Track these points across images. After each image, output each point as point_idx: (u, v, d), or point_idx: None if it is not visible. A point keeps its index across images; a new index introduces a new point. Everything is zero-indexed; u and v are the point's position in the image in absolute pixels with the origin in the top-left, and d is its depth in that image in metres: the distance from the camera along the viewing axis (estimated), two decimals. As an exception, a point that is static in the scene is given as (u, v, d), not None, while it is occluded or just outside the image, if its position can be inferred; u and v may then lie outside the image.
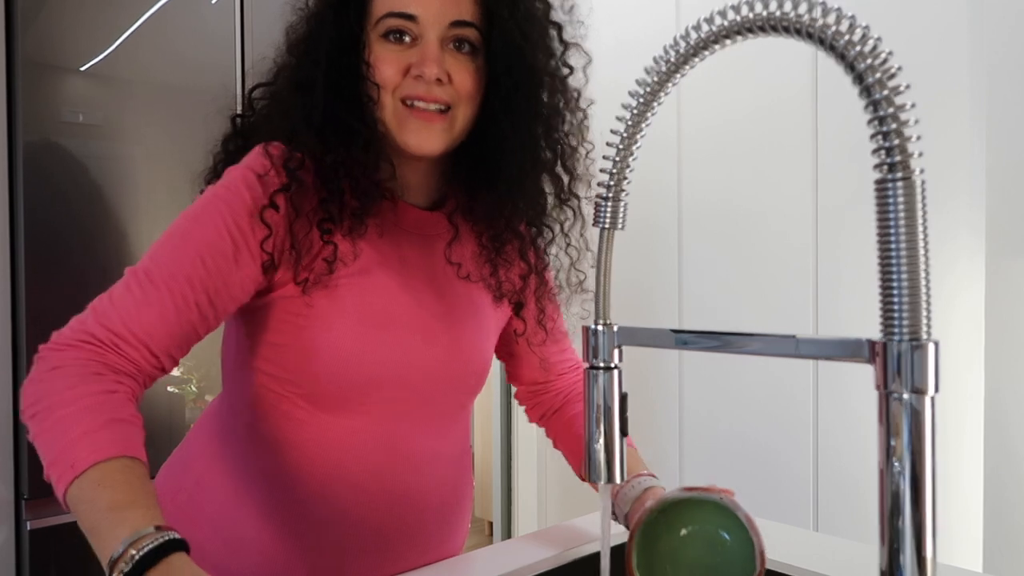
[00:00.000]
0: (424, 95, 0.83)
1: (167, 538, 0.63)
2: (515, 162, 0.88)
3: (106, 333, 0.75)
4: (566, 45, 0.91)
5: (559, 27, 0.90)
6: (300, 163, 0.82)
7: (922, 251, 0.43)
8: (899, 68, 0.43)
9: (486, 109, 0.88)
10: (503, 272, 0.96)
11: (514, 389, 1.14)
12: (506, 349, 1.07)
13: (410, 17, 0.82)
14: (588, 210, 0.94)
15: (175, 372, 1.89)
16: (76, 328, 0.76)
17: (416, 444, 0.91)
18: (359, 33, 0.84)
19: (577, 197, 0.94)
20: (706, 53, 0.52)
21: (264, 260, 0.82)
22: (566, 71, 0.91)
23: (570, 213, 0.94)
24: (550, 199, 0.93)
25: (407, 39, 0.84)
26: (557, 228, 0.95)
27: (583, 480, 1.01)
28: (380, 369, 0.87)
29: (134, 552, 0.61)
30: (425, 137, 0.84)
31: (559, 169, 0.91)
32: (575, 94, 0.91)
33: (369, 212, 0.85)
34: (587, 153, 0.94)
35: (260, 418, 0.88)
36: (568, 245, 0.96)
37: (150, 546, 0.62)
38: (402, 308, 0.89)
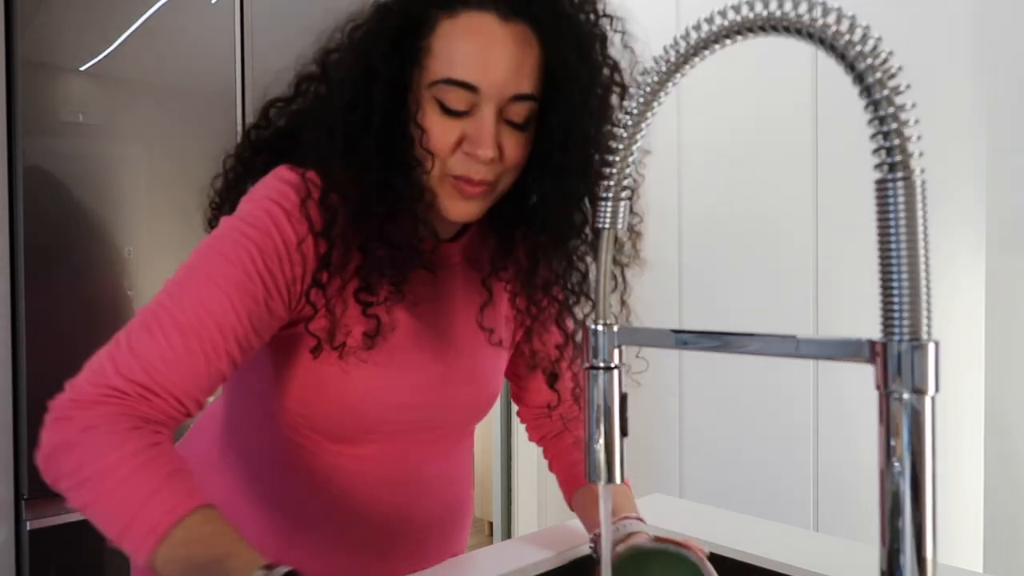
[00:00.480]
0: (472, 176, 0.79)
1: (287, 569, 0.62)
2: (558, 228, 0.84)
3: (132, 386, 0.70)
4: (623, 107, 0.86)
5: (623, 89, 0.84)
6: (339, 241, 0.77)
7: (922, 251, 0.43)
8: (899, 68, 0.43)
9: (532, 165, 0.83)
10: (537, 340, 0.93)
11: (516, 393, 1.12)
12: (513, 370, 1.04)
13: (471, 88, 0.76)
14: (628, 275, 0.89)
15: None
16: (96, 383, 0.70)
17: (423, 466, 0.91)
18: (410, 85, 0.78)
19: (620, 264, 0.88)
20: (706, 53, 0.51)
21: (303, 314, 0.79)
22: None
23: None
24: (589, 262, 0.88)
25: (462, 106, 0.78)
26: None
27: (571, 508, 1.01)
28: (397, 413, 0.86)
29: None
30: (466, 207, 0.81)
31: None
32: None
33: (407, 281, 0.81)
34: (638, 221, 0.88)
35: (265, 441, 0.88)
36: None
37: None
38: (429, 369, 0.87)
